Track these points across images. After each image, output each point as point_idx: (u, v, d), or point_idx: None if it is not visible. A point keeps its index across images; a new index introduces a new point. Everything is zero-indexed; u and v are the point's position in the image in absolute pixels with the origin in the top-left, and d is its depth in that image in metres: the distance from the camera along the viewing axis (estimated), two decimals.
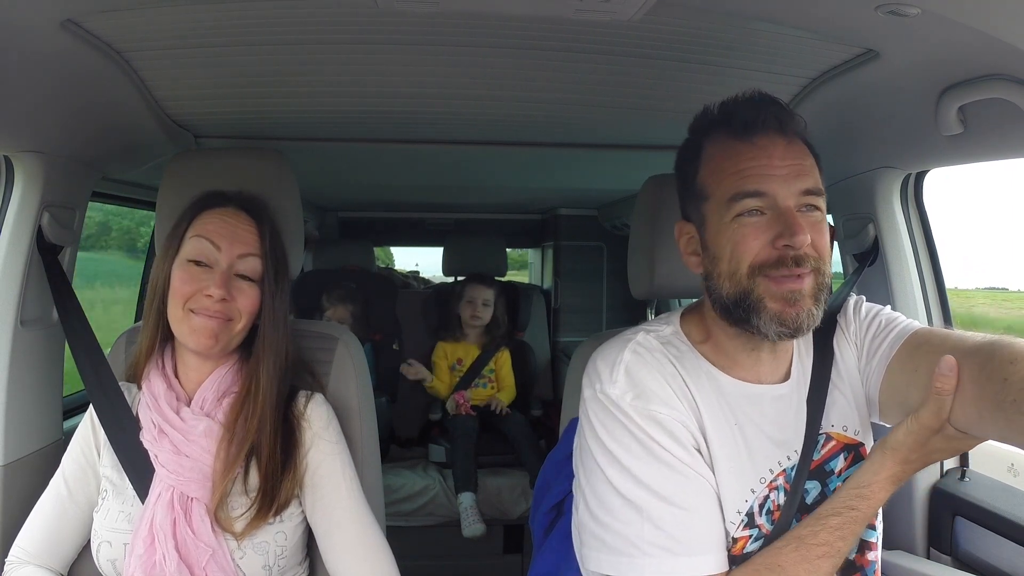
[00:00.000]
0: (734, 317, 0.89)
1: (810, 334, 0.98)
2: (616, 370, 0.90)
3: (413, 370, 2.79)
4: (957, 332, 0.87)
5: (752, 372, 0.94)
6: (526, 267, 4.80)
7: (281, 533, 1.05)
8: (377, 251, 4.09)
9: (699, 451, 0.89)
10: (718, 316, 0.93)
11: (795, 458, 0.92)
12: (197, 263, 1.04)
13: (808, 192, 0.88)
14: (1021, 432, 0.72)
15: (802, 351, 0.98)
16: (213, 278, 1.03)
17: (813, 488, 0.94)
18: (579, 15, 1.00)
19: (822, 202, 0.90)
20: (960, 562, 1.29)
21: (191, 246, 1.05)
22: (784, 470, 0.92)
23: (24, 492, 1.24)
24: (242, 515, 1.02)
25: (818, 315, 0.88)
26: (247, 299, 1.05)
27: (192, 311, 1.02)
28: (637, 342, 0.93)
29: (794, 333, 0.87)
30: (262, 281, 1.07)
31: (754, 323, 0.87)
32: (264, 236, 1.08)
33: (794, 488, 0.91)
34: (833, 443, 0.95)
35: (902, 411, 0.91)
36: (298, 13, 1.08)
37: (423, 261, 4.93)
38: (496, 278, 3.05)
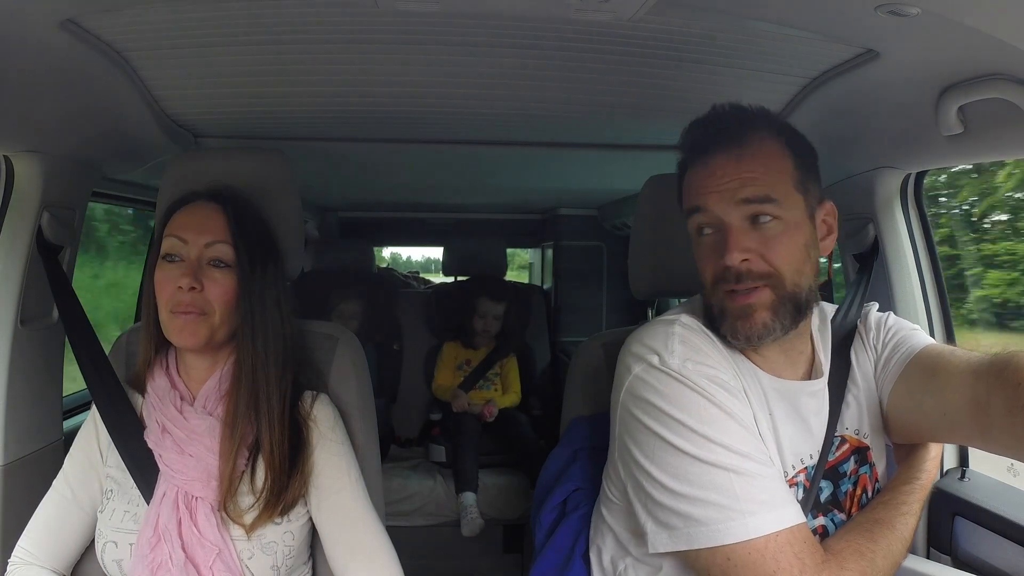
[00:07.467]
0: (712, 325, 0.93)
1: (829, 338, 1.00)
2: (671, 342, 0.91)
3: (459, 403, 2.78)
4: (964, 350, 0.90)
5: (774, 369, 0.95)
6: (525, 268, 4.79)
7: (289, 533, 1.05)
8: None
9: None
10: None
11: (817, 457, 0.93)
12: (170, 260, 1.04)
13: (748, 201, 0.87)
14: None
15: (822, 352, 1.00)
16: (183, 270, 1.03)
17: (827, 487, 0.95)
18: (579, 15, 1.00)
19: (780, 209, 0.88)
20: (960, 562, 1.29)
21: (164, 245, 1.06)
22: (806, 467, 0.93)
23: (24, 492, 1.24)
24: (249, 509, 1.02)
25: (777, 325, 0.89)
26: (219, 287, 1.03)
27: (172, 312, 1.02)
28: (681, 323, 0.94)
29: (747, 344, 0.91)
30: (236, 267, 1.05)
31: (722, 332, 0.91)
32: (231, 222, 1.06)
33: (812, 485, 0.92)
34: (847, 446, 0.97)
35: (909, 420, 0.94)
36: (298, 13, 1.08)
37: None
38: (506, 281, 3.05)
